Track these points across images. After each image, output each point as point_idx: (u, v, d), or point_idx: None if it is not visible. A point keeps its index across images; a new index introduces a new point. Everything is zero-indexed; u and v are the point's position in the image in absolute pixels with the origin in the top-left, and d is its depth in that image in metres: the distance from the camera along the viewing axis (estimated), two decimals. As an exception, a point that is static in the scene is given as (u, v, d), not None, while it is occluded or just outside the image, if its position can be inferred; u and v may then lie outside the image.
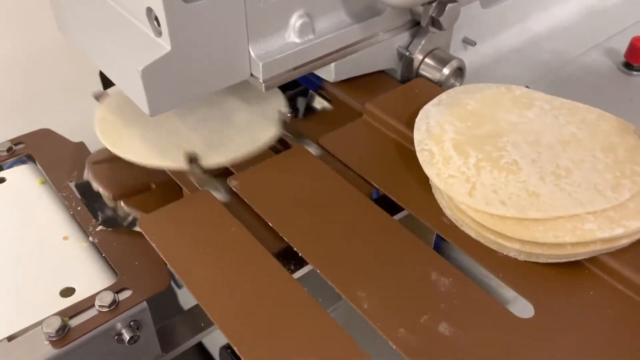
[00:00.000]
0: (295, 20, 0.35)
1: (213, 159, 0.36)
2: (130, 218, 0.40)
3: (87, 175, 0.41)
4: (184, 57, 0.31)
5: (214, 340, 0.63)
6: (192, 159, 0.35)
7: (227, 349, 0.48)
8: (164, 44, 0.30)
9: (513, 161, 0.31)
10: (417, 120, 0.35)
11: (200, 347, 0.72)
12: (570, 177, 0.30)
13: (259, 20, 0.33)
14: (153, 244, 0.31)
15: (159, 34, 0.31)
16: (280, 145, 0.39)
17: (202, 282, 0.29)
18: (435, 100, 0.36)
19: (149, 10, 0.30)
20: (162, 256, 0.30)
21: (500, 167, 0.31)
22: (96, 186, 0.40)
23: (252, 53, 0.34)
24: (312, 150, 0.37)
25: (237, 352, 0.25)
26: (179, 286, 0.56)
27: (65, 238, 0.37)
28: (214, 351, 0.73)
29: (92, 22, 0.35)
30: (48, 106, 0.57)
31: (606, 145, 0.32)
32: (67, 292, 0.34)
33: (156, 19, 0.30)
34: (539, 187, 0.30)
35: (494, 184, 0.30)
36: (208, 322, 0.39)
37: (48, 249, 0.37)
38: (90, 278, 0.35)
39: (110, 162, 0.42)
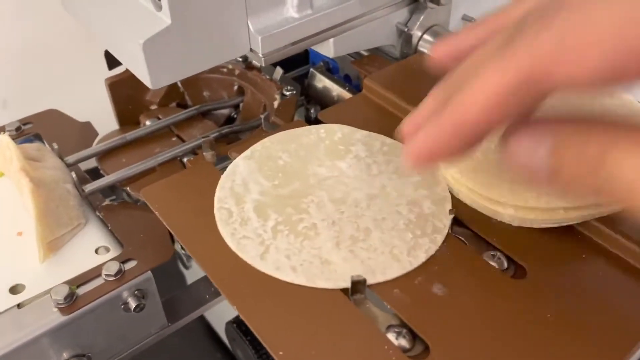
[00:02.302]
0: (294, -5, 0.36)
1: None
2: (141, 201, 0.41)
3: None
4: (184, 31, 0.32)
5: (219, 317, 0.64)
6: (357, 285, 0.27)
7: (232, 323, 0.49)
8: (165, 18, 0.31)
9: (312, 225, 0.30)
10: (223, 176, 0.33)
11: (206, 325, 0.73)
12: (368, 240, 0.29)
13: (257, -5, 0.34)
14: (156, 212, 0.31)
15: (159, 8, 0.31)
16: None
17: (205, 249, 0.29)
18: (247, 153, 0.34)
19: (150, -15, 0.31)
20: (165, 223, 0.31)
21: (297, 232, 0.29)
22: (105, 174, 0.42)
23: (251, 27, 0.35)
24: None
25: (244, 319, 0.26)
26: (187, 267, 0.57)
27: (20, 233, 0.37)
28: (219, 328, 0.74)
29: (95, -1, 0.36)
30: (55, 87, 0.58)
31: (413, 198, 0.31)
32: (18, 288, 0.33)
33: (156, -7, 0.31)
34: (332, 254, 0.28)
35: (289, 249, 0.29)
36: (212, 295, 0.41)
37: (0, 244, 0.36)
38: (42, 274, 0.34)
39: (116, 151, 0.43)
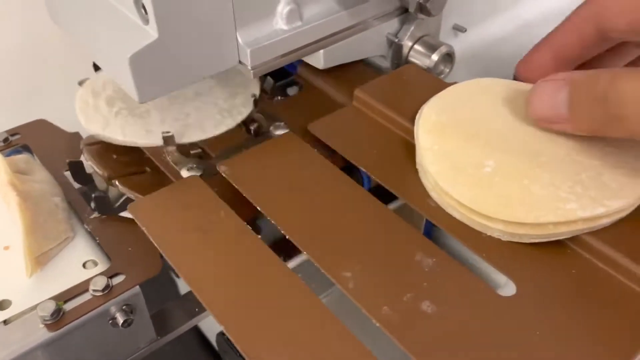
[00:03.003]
0: (283, 7, 0.35)
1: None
2: (121, 200, 0.40)
3: (83, 157, 0.42)
4: (172, 44, 0.31)
5: (212, 326, 0.64)
6: (168, 139, 0.36)
7: (223, 335, 0.49)
8: (152, 32, 0.31)
9: (148, 110, 0.39)
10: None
11: (199, 334, 0.73)
12: (187, 120, 0.39)
13: (245, 7, 0.34)
14: (143, 229, 0.31)
15: (146, 21, 0.31)
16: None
17: (192, 267, 0.29)
18: None
19: (137, -2, 0.31)
20: (152, 240, 0.30)
21: (135, 114, 0.39)
22: (90, 167, 0.41)
23: (239, 40, 0.34)
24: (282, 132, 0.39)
25: (229, 336, 0.26)
26: (178, 275, 0.56)
27: (7, 248, 0.36)
28: (212, 337, 0.74)
29: (82, 10, 0.36)
30: (43, 98, 0.58)
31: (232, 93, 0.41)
32: (4, 304, 0.33)
33: (143, 6, 0.31)
34: (157, 127, 0.38)
35: (125, 124, 0.38)
36: (202, 307, 0.40)
37: None
38: (29, 289, 0.33)
39: (106, 144, 0.42)
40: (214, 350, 0.74)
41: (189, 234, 0.31)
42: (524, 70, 0.36)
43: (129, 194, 0.39)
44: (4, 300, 0.33)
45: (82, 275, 0.35)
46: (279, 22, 0.36)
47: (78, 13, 0.36)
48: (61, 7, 0.38)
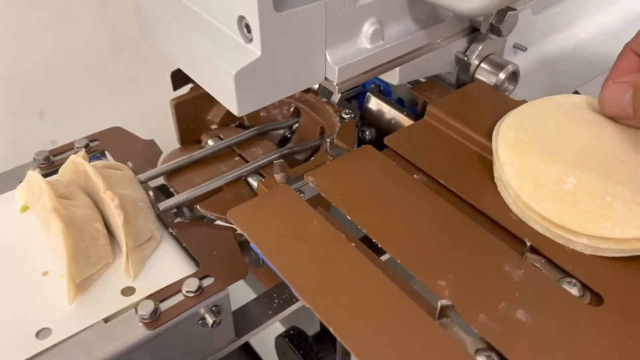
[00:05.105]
0: (368, 28, 0.37)
1: None
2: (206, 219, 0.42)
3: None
4: (272, 62, 0.33)
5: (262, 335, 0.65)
6: None
7: (284, 337, 0.50)
8: (255, 50, 0.33)
9: None
10: None
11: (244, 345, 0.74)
12: None
13: (336, 28, 0.36)
14: (244, 233, 0.33)
15: (249, 40, 0.33)
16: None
17: (293, 268, 0.31)
18: None
19: (241, 18, 0.33)
20: (254, 244, 0.32)
21: None
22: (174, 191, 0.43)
23: (328, 58, 0.36)
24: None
25: (335, 334, 0.27)
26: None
27: (45, 273, 0.36)
28: (257, 345, 0.75)
29: (178, 28, 0.38)
30: (117, 104, 0.60)
31: None
32: (43, 333, 0.32)
33: (247, 26, 0.33)
34: None
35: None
36: (275, 310, 0.42)
37: (25, 285, 0.35)
38: (70, 316, 0.33)
39: (183, 169, 0.45)
40: (256, 355, 0.75)
41: (286, 238, 0.32)
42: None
43: (210, 215, 0.41)
44: (43, 329, 0.33)
45: (123, 302, 0.35)
46: (363, 41, 0.38)
47: (173, 30, 0.38)
48: (154, 24, 0.40)
